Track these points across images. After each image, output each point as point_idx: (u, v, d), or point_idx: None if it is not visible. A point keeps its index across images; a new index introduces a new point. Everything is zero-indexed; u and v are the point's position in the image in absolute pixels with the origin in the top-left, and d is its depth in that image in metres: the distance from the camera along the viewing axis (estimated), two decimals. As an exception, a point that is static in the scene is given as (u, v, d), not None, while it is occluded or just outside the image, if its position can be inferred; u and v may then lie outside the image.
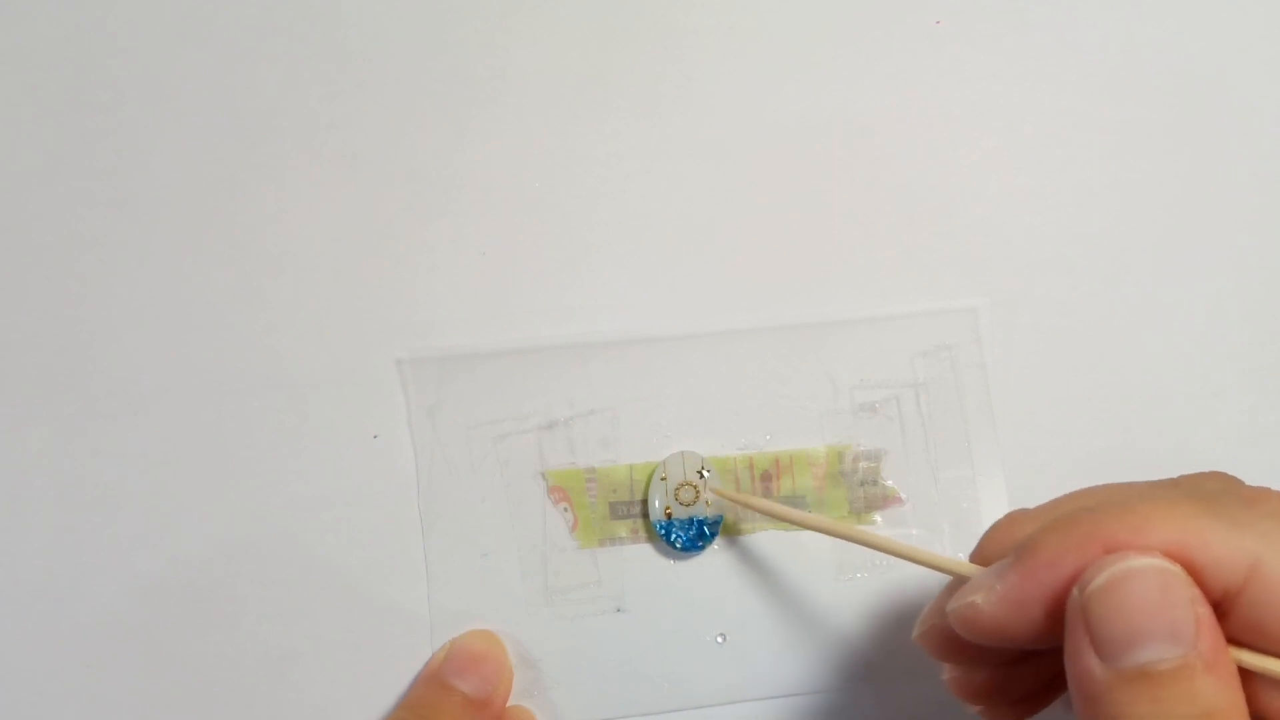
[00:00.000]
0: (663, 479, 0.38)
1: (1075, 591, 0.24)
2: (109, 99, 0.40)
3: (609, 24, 0.41)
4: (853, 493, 0.39)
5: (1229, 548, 0.24)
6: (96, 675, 0.37)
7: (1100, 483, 0.39)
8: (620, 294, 0.39)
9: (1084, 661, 0.24)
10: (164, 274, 0.39)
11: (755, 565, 0.38)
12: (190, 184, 0.39)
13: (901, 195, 0.40)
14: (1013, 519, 0.29)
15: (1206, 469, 0.39)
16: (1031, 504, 0.38)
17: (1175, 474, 0.39)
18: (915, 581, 0.38)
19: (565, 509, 0.38)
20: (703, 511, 0.38)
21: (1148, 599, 0.23)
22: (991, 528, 0.30)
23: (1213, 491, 0.27)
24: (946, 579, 0.30)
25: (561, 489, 0.38)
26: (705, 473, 0.38)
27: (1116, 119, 0.41)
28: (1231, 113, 0.41)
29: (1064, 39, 0.41)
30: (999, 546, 0.28)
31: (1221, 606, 0.25)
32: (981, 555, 0.29)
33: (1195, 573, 0.24)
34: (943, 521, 0.39)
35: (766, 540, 0.38)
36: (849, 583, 0.38)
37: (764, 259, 0.40)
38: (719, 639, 0.38)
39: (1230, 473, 0.29)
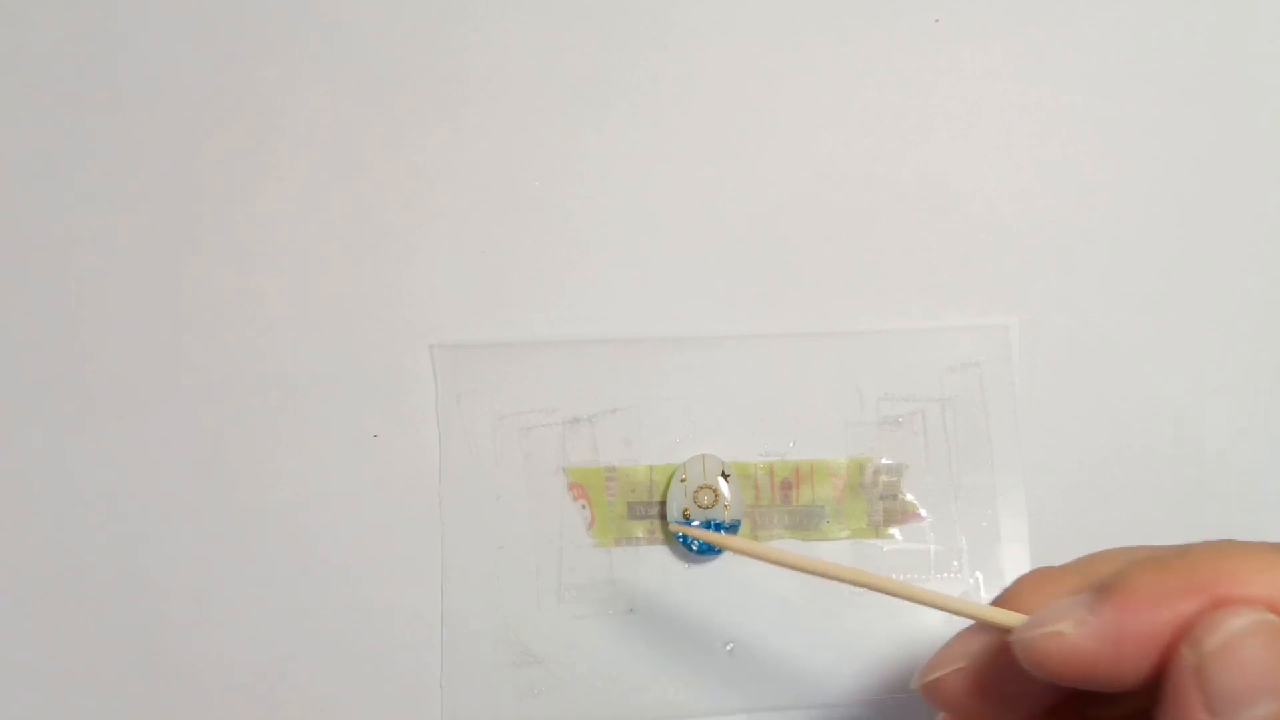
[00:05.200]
0: (682, 480, 0.38)
1: (1186, 651, 0.24)
2: (109, 99, 0.40)
3: (610, 23, 0.41)
4: (872, 506, 0.39)
5: None
6: (96, 675, 0.37)
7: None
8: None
9: (1195, 718, 0.24)
10: (163, 274, 0.39)
11: (770, 574, 0.38)
12: (189, 184, 0.39)
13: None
14: (1045, 575, 0.29)
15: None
16: (1052, 527, 0.38)
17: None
18: (930, 598, 0.38)
19: (583, 506, 0.38)
20: (721, 515, 0.38)
21: (1262, 658, 0.24)
22: (1020, 581, 0.29)
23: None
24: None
25: (581, 486, 0.38)
26: (726, 476, 0.38)
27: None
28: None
29: (1065, 37, 0.41)
30: (1032, 603, 0.28)
31: None
32: (1009, 606, 0.28)
33: None
34: (961, 539, 0.39)
35: (784, 549, 0.38)
36: (863, 597, 0.38)
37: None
38: (728, 649, 0.38)
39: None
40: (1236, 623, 0.24)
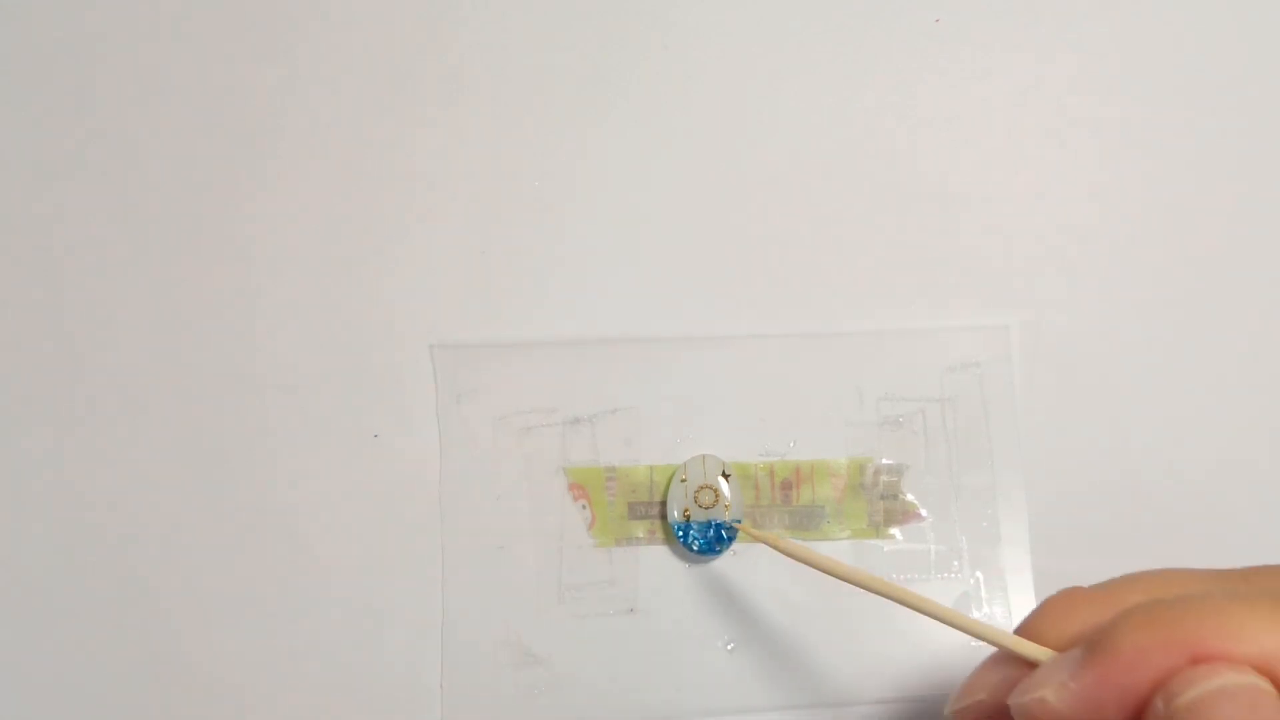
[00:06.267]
0: (683, 480, 0.38)
1: (1159, 703, 0.24)
2: (107, 99, 0.40)
3: (610, 23, 0.41)
4: (872, 506, 0.39)
5: None
6: (96, 675, 0.37)
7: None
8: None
9: None
10: (163, 275, 0.39)
11: (771, 572, 0.38)
12: (188, 185, 0.39)
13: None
14: (1072, 599, 0.28)
15: (1242, 498, 0.39)
16: (1052, 527, 0.38)
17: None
18: (930, 598, 0.38)
19: (584, 506, 0.38)
20: (721, 515, 0.38)
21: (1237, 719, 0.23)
22: (1046, 605, 0.28)
23: None
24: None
25: (581, 486, 0.38)
26: (726, 476, 0.38)
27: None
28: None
29: (1065, 38, 0.41)
30: (1056, 629, 0.27)
31: None
32: (1033, 632, 0.28)
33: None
34: (961, 539, 0.39)
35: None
36: (865, 596, 0.38)
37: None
38: (729, 647, 0.38)
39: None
40: (1212, 682, 0.24)
